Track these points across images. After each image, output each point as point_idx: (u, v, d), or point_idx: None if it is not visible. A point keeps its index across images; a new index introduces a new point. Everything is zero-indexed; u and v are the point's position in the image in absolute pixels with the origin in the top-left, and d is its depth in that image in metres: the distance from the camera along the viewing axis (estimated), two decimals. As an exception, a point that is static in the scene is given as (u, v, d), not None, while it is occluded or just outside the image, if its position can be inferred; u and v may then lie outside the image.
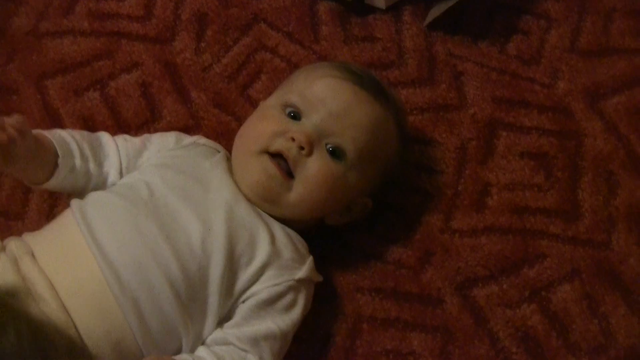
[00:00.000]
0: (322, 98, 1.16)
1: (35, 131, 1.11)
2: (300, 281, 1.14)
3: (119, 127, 1.34)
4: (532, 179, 1.31)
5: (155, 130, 1.33)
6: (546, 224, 1.28)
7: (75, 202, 1.13)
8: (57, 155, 1.12)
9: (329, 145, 1.15)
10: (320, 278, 1.18)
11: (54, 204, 1.29)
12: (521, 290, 1.24)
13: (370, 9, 1.45)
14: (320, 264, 1.18)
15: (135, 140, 1.22)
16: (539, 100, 1.37)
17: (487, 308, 1.23)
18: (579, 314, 1.23)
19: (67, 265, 1.06)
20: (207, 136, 1.31)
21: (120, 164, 1.19)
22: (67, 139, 1.15)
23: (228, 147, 1.29)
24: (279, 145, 1.14)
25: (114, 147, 1.19)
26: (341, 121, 1.15)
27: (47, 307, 1.02)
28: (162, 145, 1.22)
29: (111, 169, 1.18)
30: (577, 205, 1.30)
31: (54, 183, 1.14)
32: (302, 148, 1.13)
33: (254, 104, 1.36)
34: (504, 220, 1.29)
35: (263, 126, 1.16)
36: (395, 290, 1.25)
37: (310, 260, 1.16)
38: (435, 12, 1.41)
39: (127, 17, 1.43)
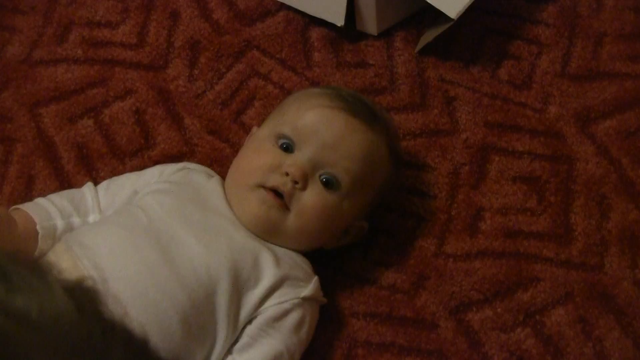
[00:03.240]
0: (314, 129, 1.16)
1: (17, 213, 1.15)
2: (306, 299, 1.14)
3: (113, 154, 1.34)
4: (525, 203, 1.32)
5: (150, 158, 1.33)
6: (539, 247, 1.29)
7: (72, 237, 1.13)
8: (34, 223, 1.14)
9: (322, 177, 1.15)
10: (324, 300, 1.19)
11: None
12: (515, 314, 1.25)
13: (362, 35, 1.46)
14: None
15: (118, 180, 1.24)
16: (531, 125, 1.38)
17: (481, 332, 1.24)
18: (573, 337, 1.23)
19: None
20: (202, 163, 1.32)
21: (98, 201, 1.20)
22: (43, 205, 1.17)
23: (222, 173, 1.29)
24: (273, 181, 1.14)
25: (94, 197, 1.20)
26: (334, 152, 1.16)
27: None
28: (148, 178, 1.23)
29: (95, 214, 1.20)
30: (570, 229, 1.30)
31: (44, 248, 1.14)
32: (296, 182, 1.14)
33: (247, 131, 1.36)
34: (498, 245, 1.29)
35: (257, 160, 1.16)
36: (390, 314, 1.25)
37: (315, 279, 1.17)
38: (426, 38, 1.43)
39: (121, 45, 1.44)
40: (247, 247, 1.13)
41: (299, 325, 1.13)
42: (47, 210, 1.17)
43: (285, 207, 1.14)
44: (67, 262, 1.08)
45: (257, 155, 1.17)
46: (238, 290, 1.10)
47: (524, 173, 1.34)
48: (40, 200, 1.19)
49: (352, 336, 1.23)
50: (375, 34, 1.45)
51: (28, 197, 1.30)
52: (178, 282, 1.07)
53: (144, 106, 1.39)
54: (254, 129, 1.27)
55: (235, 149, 1.35)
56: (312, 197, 1.15)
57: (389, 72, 1.43)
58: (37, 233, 1.14)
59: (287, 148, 1.17)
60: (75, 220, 1.18)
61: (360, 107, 1.20)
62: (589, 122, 1.38)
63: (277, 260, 1.14)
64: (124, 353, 0.73)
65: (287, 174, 1.14)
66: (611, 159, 1.35)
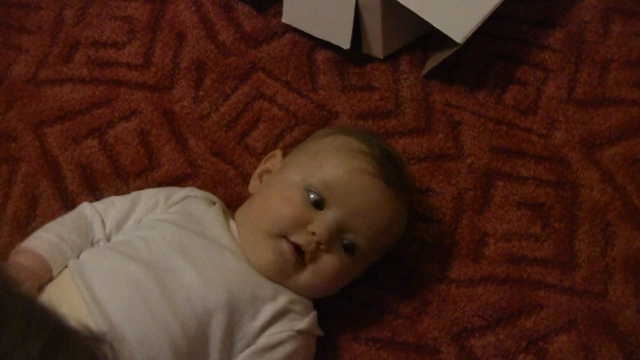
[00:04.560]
0: (347, 193, 1.14)
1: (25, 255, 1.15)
2: (300, 332, 1.14)
3: (117, 175, 1.34)
4: (529, 229, 1.32)
5: (153, 179, 1.33)
6: (543, 274, 1.28)
7: (73, 264, 1.13)
8: (51, 269, 1.14)
9: (345, 241, 1.15)
10: (320, 332, 1.18)
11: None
12: (518, 340, 1.24)
13: (368, 58, 1.46)
14: (317, 313, 1.18)
15: (124, 205, 1.21)
16: (536, 151, 1.38)
17: (483, 358, 1.23)
18: (575, 365, 1.23)
19: None
20: (205, 185, 1.32)
21: (105, 232, 1.19)
22: (59, 246, 1.16)
23: (225, 195, 1.30)
24: (298, 238, 1.12)
25: (99, 222, 1.19)
26: (362, 220, 1.14)
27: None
28: (151, 204, 1.21)
29: (99, 239, 1.19)
30: (574, 255, 1.30)
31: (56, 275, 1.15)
32: (320, 244, 1.13)
33: (251, 153, 1.36)
34: (501, 271, 1.29)
35: (285, 209, 1.14)
36: (392, 339, 1.24)
37: (313, 314, 1.17)
38: (432, 62, 1.43)
39: (126, 65, 1.44)
40: (246, 281, 1.13)
41: (289, 357, 1.13)
42: (62, 252, 1.15)
43: (303, 264, 1.14)
44: (74, 296, 1.08)
45: (285, 204, 1.14)
46: (234, 323, 1.10)
47: (528, 199, 1.34)
48: (52, 240, 1.16)
49: (353, 361, 1.23)
50: (381, 58, 1.45)
51: (31, 216, 1.30)
52: (171, 310, 1.07)
53: (149, 127, 1.39)
54: (278, 153, 1.26)
55: (239, 171, 1.35)
56: (331, 260, 1.14)
57: (394, 96, 1.42)
58: (50, 274, 1.13)
59: (317, 204, 1.15)
60: (86, 248, 1.17)
61: (392, 170, 1.19)
62: (595, 148, 1.38)
63: (277, 294, 1.14)
64: None
65: (313, 233, 1.13)
66: (616, 185, 1.35)
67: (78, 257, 1.15)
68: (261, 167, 1.26)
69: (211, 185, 1.33)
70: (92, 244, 1.18)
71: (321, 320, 1.19)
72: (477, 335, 1.24)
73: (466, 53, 1.43)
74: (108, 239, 1.18)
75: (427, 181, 1.35)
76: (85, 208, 1.21)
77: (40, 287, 1.11)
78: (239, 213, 1.21)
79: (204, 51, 1.45)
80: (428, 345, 1.24)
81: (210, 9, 1.49)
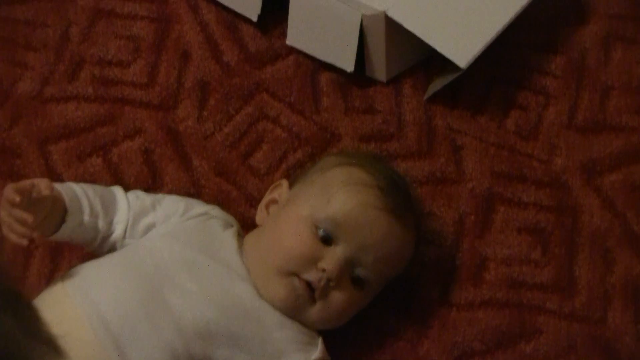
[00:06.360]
0: (357, 228, 1.15)
1: None
2: None
3: (121, 193, 1.34)
4: (529, 254, 1.32)
5: (157, 198, 1.34)
6: (543, 299, 1.29)
7: (74, 280, 1.13)
8: (65, 211, 1.13)
9: (354, 275, 1.16)
10: (329, 358, 1.20)
11: (54, 269, 1.30)
12: (517, 365, 1.25)
13: (371, 81, 1.46)
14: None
15: (146, 200, 1.23)
16: (537, 176, 1.39)
17: (483, 382, 1.24)
18: (574, 390, 1.23)
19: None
20: (209, 204, 1.32)
21: (128, 221, 1.19)
22: (79, 195, 1.16)
23: (229, 215, 1.30)
24: (309, 275, 1.14)
25: (125, 204, 1.20)
26: (372, 254, 1.16)
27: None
28: (171, 211, 1.22)
29: (118, 224, 1.19)
30: (574, 281, 1.31)
31: (59, 236, 1.14)
32: (330, 280, 1.14)
33: (255, 173, 1.37)
34: (501, 295, 1.29)
35: (295, 247, 1.15)
36: (392, 362, 1.25)
37: (320, 340, 1.18)
38: (435, 86, 1.43)
39: (131, 84, 1.45)
40: (254, 306, 1.14)
41: None
42: (80, 202, 1.16)
43: (313, 299, 1.15)
44: (70, 311, 1.09)
45: (295, 241, 1.15)
46: (240, 347, 1.11)
47: (529, 224, 1.35)
48: (75, 188, 1.18)
49: (354, 383, 1.23)
50: (384, 81, 1.45)
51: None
52: (176, 333, 1.08)
53: (153, 146, 1.39)
54: (284, 183, 1.27)
55: (242, 191, 1.35)
56: (340, 295, 1.15)
57: (396, 119, 1.43)
58: (62, 218, 1.13)
59: (326, 240, 1.15)
60: (100, 222, 1.18)
61: (399, 200, 1.20)
62: (595, 174, 1.39)
63: (283, 322, 1.15)
64: None
65: (323, 270, 1.14)
66: (616, 212, 1.36)
67: (94, 222, 1.16)
68: (267, 198, 1.27)
69: (214, 205, 1.33)
70: (110, 224, 1.18)
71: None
72: (477, 359, 1.25)
73: (468, 77, 1.44)
74: (126, 227, 1.19)
75: (428, 205, 1.36)
76: (116, 189, 1.23)
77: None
78: (248, 243, 1.21)
79: (208, 71, 1.46)
80: (428, 368, 1.25)
81: (215, 29, 1.50)
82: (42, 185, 1.08)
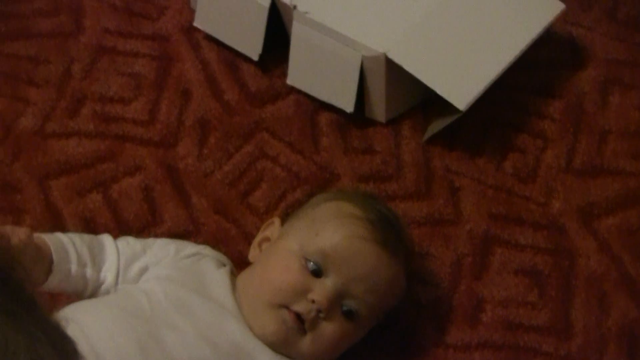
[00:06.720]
0: (345, 259, 1.15)
1: (35, 235, 1.12)
2: None
3: (120, 229, 1.35)
4: (526, 297, 1.33)
5: (156, 235, 1.34)
6: (539, 342, 1.29)
7: (71, 316, 1.13)
8: (52, 261, 1.13)
9: (345, 307, 1.16)
10: None
11: (53, 306, 1.30)
12: (513, 408, 1.25)
13: (370, 121, 1.47)
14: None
15: (137, 245, 1.23)
16: (534, 218, 1.39)
17: None
18: None
19: None
20: (207, 242, 1.32)
21: (118, 269, 1.19)
22: (65, 245, 1.16)
23: (227, 254, 1.30)
24: (299, 307, 1.14)
25: (114, 252, 1.20)
26: (361, 285, 1.16)
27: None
28: (162, 254, 1.22)
29: (108, 272, 1.19)
30: (570, 324, 1.31)
31: (48, 287, 1.14)
32: (320, 311, 1.14)
33: (254, 212, 1.38)
34: (498, 337, 1.30)
35: (284, 280, 1.15)
36: (388, 403, 1.25)
37: None
38: (434, 128, 1.45)
39: (132, 121, 1.46)
40: (247, 344, 1.14)
41: None
42: (67, 251, 1.16)
43: (304, 331, 1.15)
44: None
45: (284, 274, 1.16)
46: None
47: (526, 266, 1.35)
48: (62, 238, 1.17)
49: None
50: (384, 121, 1.46)
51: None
52: None
53: (153, 183, 1.40)
54: (276, 221, 1.27)
55: (241, 229, 1.36)
56: (331, 327, 1.15)
57: (395, 160, 1.44)
58: (49, 269, 1.13)
59: (316, 272, 1.15)
60: (89, 271, 1.17)
61: (388, 233, 1.19)
62: (592, 218, 1.40)
63: (275, 359, 1.15)
64: None
65: (313, 301, 1.14)
66: (613, 255, 1.36)
67: (81, 272, 1.16)
68: (260, 236, 1.28)
69: (213, 243, 1.33)
70: (99, 273, 1.18)
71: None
72: (473, 401, 1.26)
73: (466, 119, 1.45)
74: (117, 274, 1.19)
75: (426, 246, 1.36)
76: (105, 237, 1.23)
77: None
78: (241, 281, 1.21)
79: (209, 109, 1.47)
80: (424, 409, 1.25)
81: (216, 68, 1.51)
82: (20, 233, 1.07)
